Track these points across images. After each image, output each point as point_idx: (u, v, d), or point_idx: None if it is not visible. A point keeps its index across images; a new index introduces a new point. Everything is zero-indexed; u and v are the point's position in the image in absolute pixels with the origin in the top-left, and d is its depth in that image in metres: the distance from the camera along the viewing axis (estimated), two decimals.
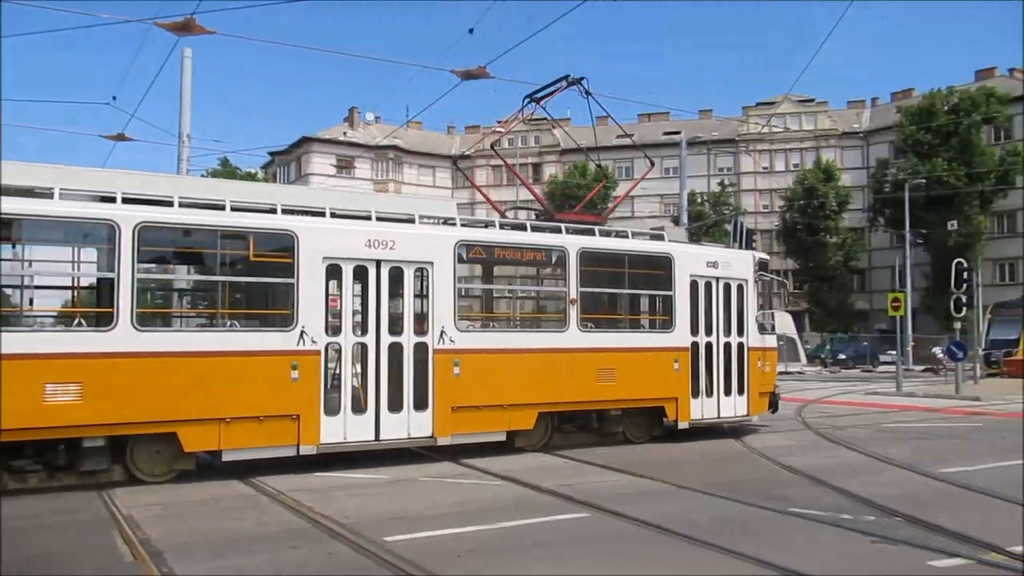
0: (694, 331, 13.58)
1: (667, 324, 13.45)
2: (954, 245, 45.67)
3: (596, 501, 8.57)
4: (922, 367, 39.66)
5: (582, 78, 13.71)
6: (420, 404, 11.05)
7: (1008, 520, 7.93)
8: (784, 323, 35.14)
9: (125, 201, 9.46)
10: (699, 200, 56.47)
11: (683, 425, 13.39)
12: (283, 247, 10.28)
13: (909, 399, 23.54)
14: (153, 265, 10.82)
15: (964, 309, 24.03)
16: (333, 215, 10.85)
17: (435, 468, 10.91)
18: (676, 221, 38.91)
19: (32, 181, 9.21)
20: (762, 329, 14.68)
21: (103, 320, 9.45)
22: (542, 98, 14.11)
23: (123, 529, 7.45)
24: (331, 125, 67.41)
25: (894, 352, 34.37)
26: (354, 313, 10.90)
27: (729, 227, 43.38)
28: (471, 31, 45.18)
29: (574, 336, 12.29)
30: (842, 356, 46.46)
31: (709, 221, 50.35)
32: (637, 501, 8.67)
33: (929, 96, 51.57)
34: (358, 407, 10.69)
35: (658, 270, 13.37)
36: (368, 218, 11.12)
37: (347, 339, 10.73)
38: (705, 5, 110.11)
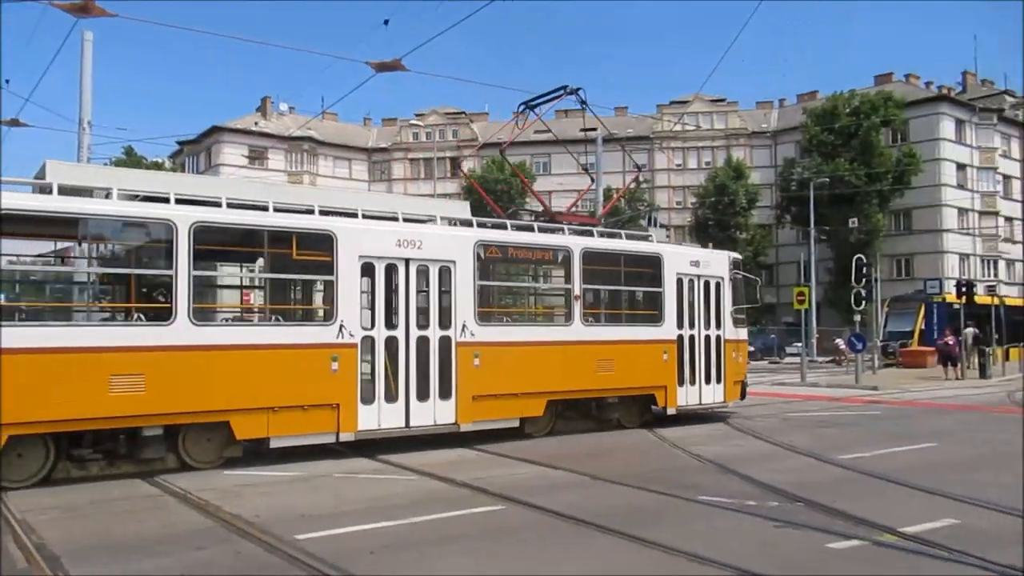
0: (680, 324, 14.73)
1: (657, 318, 14.49)
2: (855, 242, 47.78)
3: (510, 493, 8.62)
4: (826, 358, 41.13)
5: (579, 88, 14.80)
6: (445, 393, 11.81)
7: (901, 504, 8.36)
8: None
9: (179, 202, 9.91)
10: (614, 195, 57.13)
11: (671, 411, 14.55)
12: (323, 246, 10.90)
13: (813, 389, 24.58)
14: (204, 262, 10.99)
15: (864, 303, 25.09)
16: (365, 216, 11.47)
17: (350, 464, 10.79)
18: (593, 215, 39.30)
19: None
20: (736, 323, 15.87)
21: (162, 315, 9.79)
22: (539, 106, 15.05)
23: (16, 533, 7.08)
24: (243, 114, 65.43)
25: (800, 344, 35.61)
26: (385, 308, 11.48)
27: (644, 222, 44.27)
28: (386, 22, 44.71)
29: (578, 329, 13.24)
30: (751, 348, 47.84)
31: (625, 217, 51.12)
32: (551, 492, 8.76)
33: (832, 98, 53.59)
34: (390, 396, 11.35)
35: (649, 268, 14.50)
36: (395, 219, 11.85)
37: (380, 333, 11.36)
38: (619, 4, 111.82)
